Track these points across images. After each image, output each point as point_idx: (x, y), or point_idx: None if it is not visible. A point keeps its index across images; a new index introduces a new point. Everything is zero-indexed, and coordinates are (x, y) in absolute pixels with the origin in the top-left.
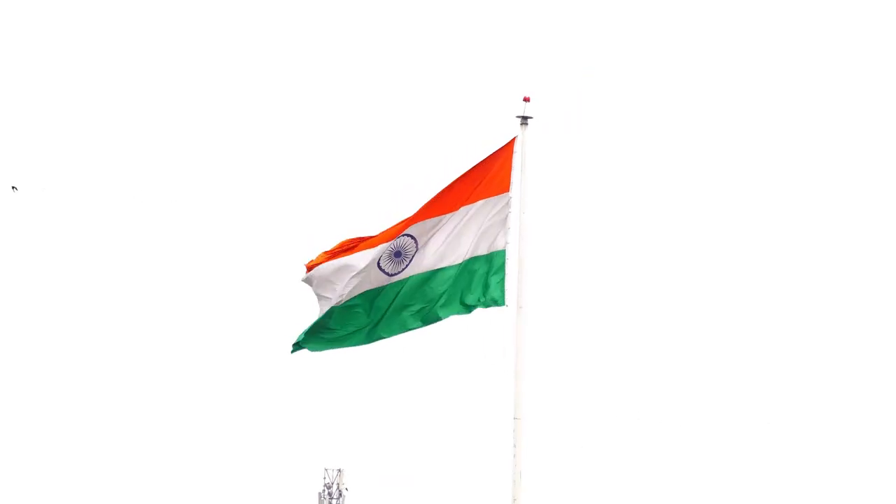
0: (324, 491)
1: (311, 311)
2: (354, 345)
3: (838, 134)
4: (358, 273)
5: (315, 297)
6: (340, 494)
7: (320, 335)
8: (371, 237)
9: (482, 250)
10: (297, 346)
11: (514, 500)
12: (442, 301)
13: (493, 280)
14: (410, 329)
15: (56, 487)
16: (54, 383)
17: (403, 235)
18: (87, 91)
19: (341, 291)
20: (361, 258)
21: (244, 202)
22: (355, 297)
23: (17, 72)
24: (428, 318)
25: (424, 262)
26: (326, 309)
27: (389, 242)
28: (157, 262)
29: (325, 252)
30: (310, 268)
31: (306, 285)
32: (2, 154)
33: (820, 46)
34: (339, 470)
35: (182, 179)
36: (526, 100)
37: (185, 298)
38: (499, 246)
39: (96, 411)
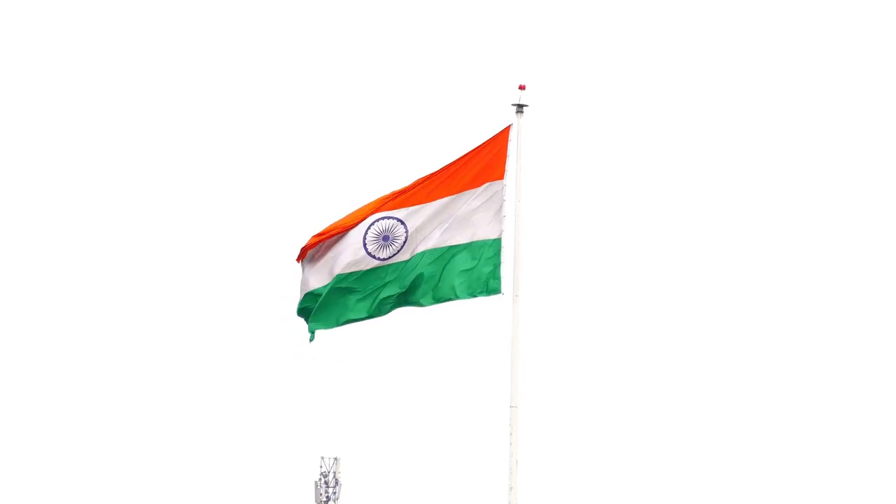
0: (320, 479)
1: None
2: (343, 323)
3: (838, 134)
4: (342, 251)
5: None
6: (337, 483)
7: (318, 313)
8: (352, 214)
9: (477, 237)
10: (312, 332)
11: (511, 488)
12: (435, 287)
13: (489, 268)
14: (398, 307)
15: (55, 483)
16: (50, 379)
17: (390, 218)
18: (74, 88)
19: (328, 273)
20: (348, 240)
21: (234, 191)
22: (344, 274)
23: (12, 71)
24: (421, 304)
25: (417, 247)
26: (317, 288)
27: (373, 218)
28: (149, 255)
29: (316, 235)
30: (304, 253)
31: (300, 271)
32: None
33: (820, 46)
34: (336, 458)
35: (171, 173)
36: (521, 88)
37: (178, 288)
38: (494, 234)
39: (92, 399)
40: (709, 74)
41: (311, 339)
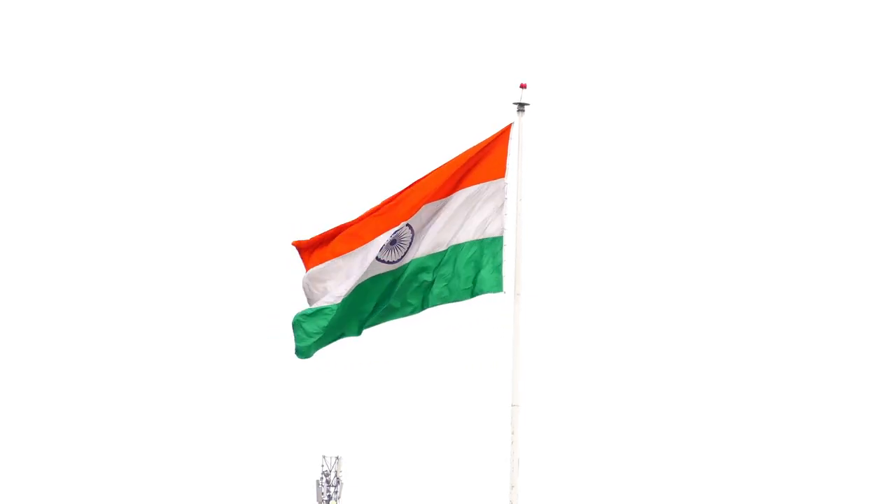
0: (321, 478)
1: (304, 298)
2: (348, 335)
3: (838, 134)
4: (355, 273)
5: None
6: (338, 482)
7: (316, 335)
8: (358, 223)
9: (478, 235)
10: (303, 353)
11: (513, 486)
12: (438, 286)
13: (490, 266)
14: (406, 315)
15: (57, 483)
16: (52, 380)
17: (400, 225)
18: (74, 88)
19: (337, 293)
20: (358, 257)
21: (236, 191)
22: (351, 291)
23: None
24: (424, 304)
25: (421, 247)
26: (321, 306)
27: (385, 234)
28: (150, 257)
29: (314, 239)
30: (300, 248)
31: (301, 277)
32: None
33: (820, 46)
34: (337, 457)
35: (171, 174)
36: (522, 87)
37: (179, 289)
38: (496, 232)
39: (94, 399)
40: (709, 74)
41: (307, 355)
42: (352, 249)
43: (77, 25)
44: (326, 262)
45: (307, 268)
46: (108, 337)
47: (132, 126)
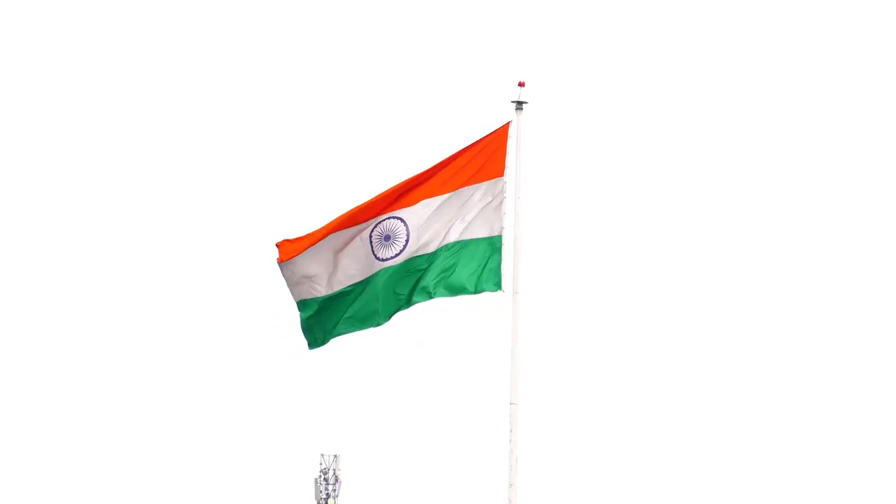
0: (320, 476)
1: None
2: (351, 331)
3: (838, 134)
4: (348, 257)
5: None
6: (336, 480)
7: (319, 328)
8: (348, 213)
9: (477, 234)
10: (313, 343)
11: (511, 485)
12: (435, 284)
13: (489, 265)
14: (403, 309)
15: (56, 483)
16: (55, 380)
17: (392, 218)
18: (74, 89)
19: (333, 280)
20: (343, 237)
21: (234, 190)
22: (350, 285)
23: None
24: (422, 299)
25: (418, 245)
26: (316, 297)
27: (375, 222)
28: (149, 257)
29: (301, 238)
30: (283, 250)
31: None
32: None
33: (820, 46)
34: (336, 455)
35: (170, 174)
36: (521, 85)
37: (179, 289)
38: (495, 231)
39: (94, 398)
40: (707, 72)
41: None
42: (337, 238)
43: (77, 25)
44: (307, 250)
45: (283, 258)
46: (107, 337)
47: (131, 126)
